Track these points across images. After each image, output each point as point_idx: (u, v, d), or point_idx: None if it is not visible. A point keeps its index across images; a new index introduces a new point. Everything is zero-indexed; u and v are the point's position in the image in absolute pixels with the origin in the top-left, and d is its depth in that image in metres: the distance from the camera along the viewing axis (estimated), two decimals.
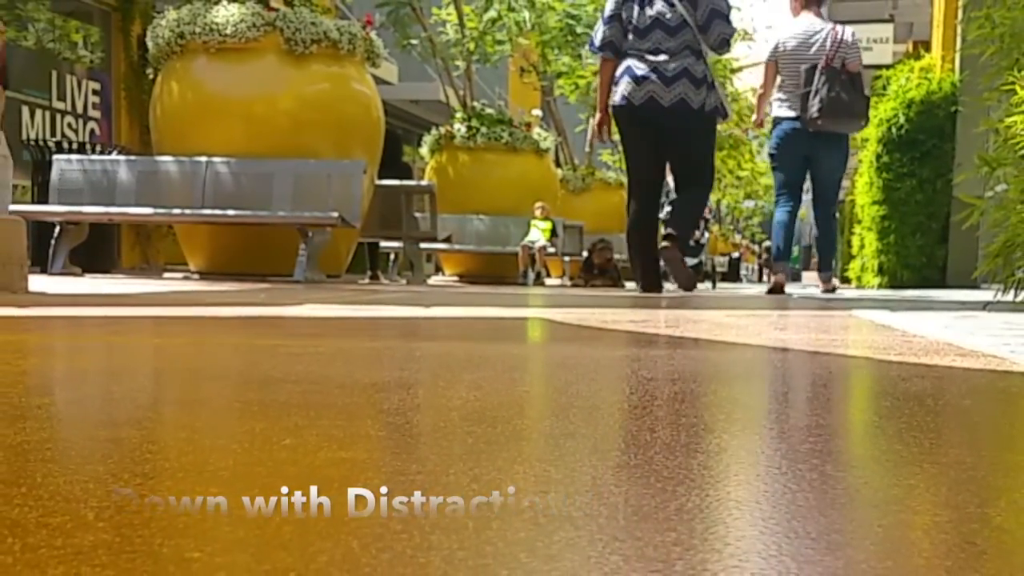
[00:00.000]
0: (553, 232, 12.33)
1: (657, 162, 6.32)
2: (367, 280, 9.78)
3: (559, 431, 1.06)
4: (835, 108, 6.63)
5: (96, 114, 11.88)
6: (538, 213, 12.21)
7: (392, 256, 12.12)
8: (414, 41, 13.35)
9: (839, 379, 1.75)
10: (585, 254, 11.64)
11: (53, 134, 11.01)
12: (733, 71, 21.17)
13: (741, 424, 1.19)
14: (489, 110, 13.26)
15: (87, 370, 1.70)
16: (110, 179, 7.91)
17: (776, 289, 7.06)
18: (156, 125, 8.28)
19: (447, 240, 11.00)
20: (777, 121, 7.00)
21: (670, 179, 7.64)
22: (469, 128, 12.64)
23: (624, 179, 8.16)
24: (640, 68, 6.05)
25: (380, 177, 8.95)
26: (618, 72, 6.15)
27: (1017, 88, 4.18)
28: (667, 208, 9.42)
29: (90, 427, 1.09)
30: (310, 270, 7.06)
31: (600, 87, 6.42)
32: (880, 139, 9.91)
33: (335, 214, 7.09)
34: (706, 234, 14.10)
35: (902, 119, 9.71)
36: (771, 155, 7.15)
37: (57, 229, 7.71)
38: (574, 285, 11.27)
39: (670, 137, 6.09)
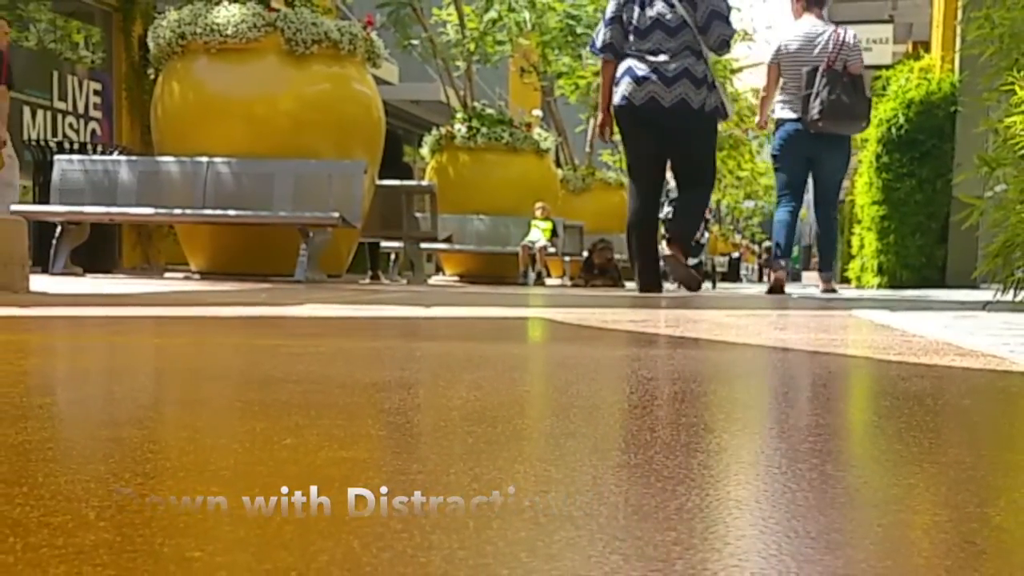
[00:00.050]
0: (553, 232, 12.33)
1: (658, 162, 6.33)
2: (368, 280, 9.78)
3: (559, 431, 1.06)
4: (836, 110, 6.64)
5: (97, 114, 11.89)
6: (538, 213, 12.21)
7: (393, 256, 12.12)
8: (415, 41, 13.35)
9: (839, 379, 1.75)
10: (585, 254, 11.63)
11: (54, 134, 11.02)
12: (733, 71, 21.18)
13: (741, 424, 1.19)
14: (489, 110, 13.26)
15: (88, 370, 1.70)
16: (111, 179, 7.91)
17: (776, 288, 7.05)
18: (157, 125, 8.28)
19: (447, 240, 11.00)
20: (780, 123, 7.00)
21: (671, 179, 7.66)
22: (469, 128, 12.64)
23: (624, 179, 8.17)
24: (641, 69, 6.06)
25: (381, 177, 8.95)
26: (619, 73, 6.16)
27: (1016, 88, 4.18)
28: (667, 208, 9.49)
29: (91, 427, 1.09)
30: (311, 270, 7.07)
31: (602, 88, 6.44)
32: (880, 139, 9.91)
33: (336, 214, 7.09)
34: (706, 234, 14.09)
35: (902, 119, 9.71)
36: (774, 156, 7.16)
37: (58, 229, 7.72)
38: (574, 285, 11.26)
39: (671, 137, 6.10)
